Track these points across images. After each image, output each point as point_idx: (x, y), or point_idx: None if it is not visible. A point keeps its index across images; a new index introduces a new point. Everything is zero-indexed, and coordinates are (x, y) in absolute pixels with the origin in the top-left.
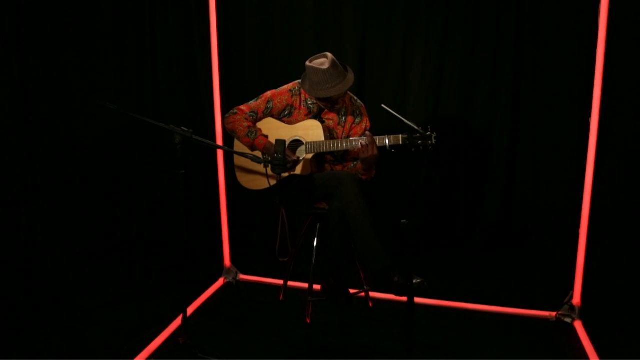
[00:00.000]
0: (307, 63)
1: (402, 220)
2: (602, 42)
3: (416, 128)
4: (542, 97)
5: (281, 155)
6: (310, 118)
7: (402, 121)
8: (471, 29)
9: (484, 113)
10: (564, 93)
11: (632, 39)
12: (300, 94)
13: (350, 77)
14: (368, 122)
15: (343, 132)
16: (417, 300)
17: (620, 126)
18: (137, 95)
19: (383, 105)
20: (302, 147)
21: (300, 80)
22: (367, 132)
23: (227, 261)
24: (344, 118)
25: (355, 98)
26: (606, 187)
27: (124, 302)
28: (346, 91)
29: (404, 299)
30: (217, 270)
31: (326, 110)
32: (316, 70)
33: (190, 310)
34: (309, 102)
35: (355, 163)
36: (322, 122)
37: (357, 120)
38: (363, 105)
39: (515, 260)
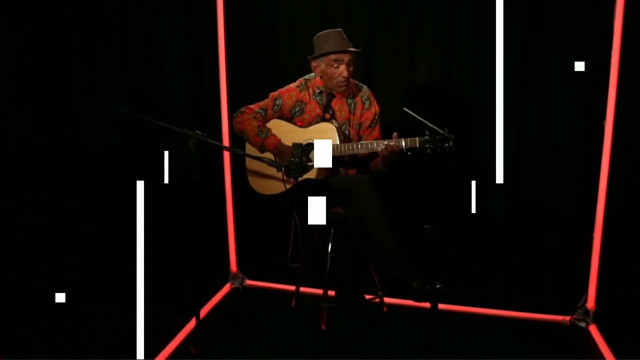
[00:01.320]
0: (316, 35)
1: (425, 226)
2: (617, 42)
3: (441, 131)
4: (550, 97)
5: (298, 159)
6: (322, 109)
7: (427, 125)
8: (477, 28)
9: (491, 113)
10: (573, 93)
11: None
12: (307, 88)
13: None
14: (377, 105)
15: (354, 119)
16: (425, 305)
17: (635, 126)
18: (141, 96)
19: (405, 108)
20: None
21: (305, 77)
22: (394, 134)
23: (233, 266)
24: (352, 105)
25: (360, 83)
26: (620, 189)
27: (126, 308)
28: (354, 59)
29: (424, 304)
30: (223, 275)
31: (335, 99)
32: (329, 32)
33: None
34: (317, 93)
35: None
36: (331, 112)
37: (367, 105)
38: (369, 90)
39: (525, 263)
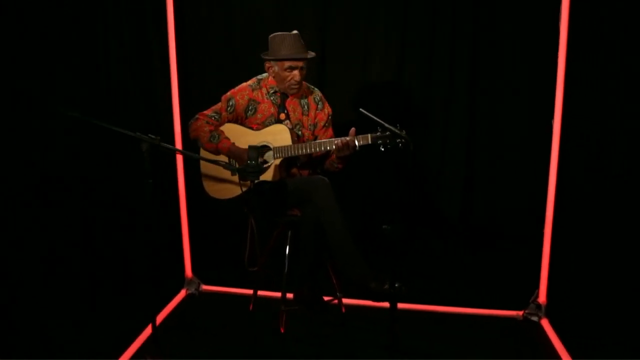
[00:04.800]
0: (272, 35)
1: (384, 226)
2: (563, 42)
3: (398, 132)
4: (502, 96)
5: (255, 161)
6: (276, 109)
7: (382, 124)
8: (429, 26)
9: (443, 113)
10: (524, 93)
11: (592, 40)
12: (260, 87)
13: (312, 53)
14: (328, 107)
15: (308, 120)
16: (383, 305)
17: (583, 127)
18: (89, 99)
19: (361, 109)
20: (270, 153)
21: (258, 77)
22: (351, 130)
23: (188, 272)
24: (306, 106)
25: (312, 86)
26: (569, 186)
27: (77, 321)
28: (308, 62)
29: (382, 304)
30: (178, 281)
31: (289, 99)
32: (284, 35)
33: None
34: (271, 93)
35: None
36: (285, 112)
37: (320, 106)
38: (321, 93)
39: (478, 260)
